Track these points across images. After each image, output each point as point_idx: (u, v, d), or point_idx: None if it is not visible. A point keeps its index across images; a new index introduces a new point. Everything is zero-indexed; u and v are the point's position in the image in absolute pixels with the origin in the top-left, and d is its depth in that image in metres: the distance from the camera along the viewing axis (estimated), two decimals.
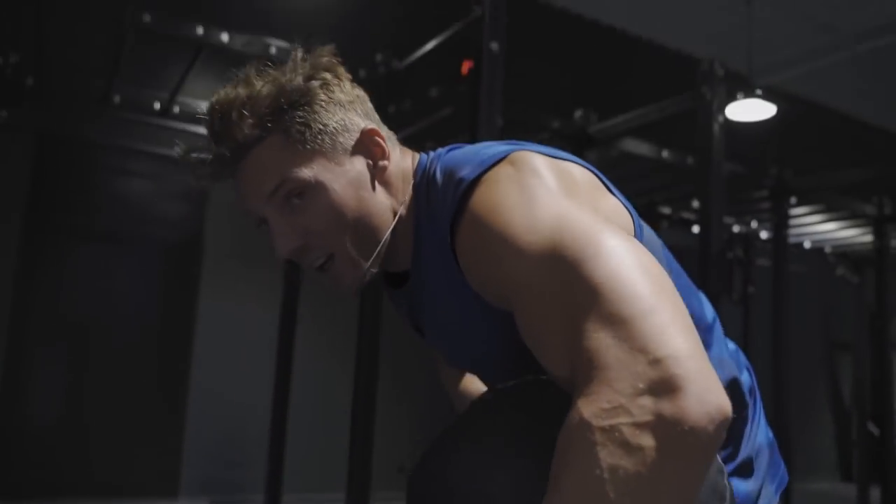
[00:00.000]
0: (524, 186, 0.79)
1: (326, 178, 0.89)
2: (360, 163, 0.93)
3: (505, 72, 2.27)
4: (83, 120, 3.70)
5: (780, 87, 7.15)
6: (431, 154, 0.98)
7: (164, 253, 5.14)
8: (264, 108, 0.89)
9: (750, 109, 5.83)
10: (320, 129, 0.90)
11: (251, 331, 4.70)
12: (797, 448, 4.38)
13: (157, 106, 3.48)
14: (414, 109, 3.01)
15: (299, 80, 0.90)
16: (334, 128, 0.91)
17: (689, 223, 4.96)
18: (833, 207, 4.67)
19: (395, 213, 0.94)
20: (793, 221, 4.93)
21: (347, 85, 0.96)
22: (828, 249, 6.38)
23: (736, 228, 5.45)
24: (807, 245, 6.05)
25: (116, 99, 3.37)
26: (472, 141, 2.45)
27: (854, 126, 8.19)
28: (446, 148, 0.97)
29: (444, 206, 0.86)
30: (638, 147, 3.59)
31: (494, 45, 2.20)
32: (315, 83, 0.91)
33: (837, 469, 8.20)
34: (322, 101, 0.91)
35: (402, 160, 0.98)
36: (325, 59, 0.93)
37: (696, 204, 4.26)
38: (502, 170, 0.83)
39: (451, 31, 2.39)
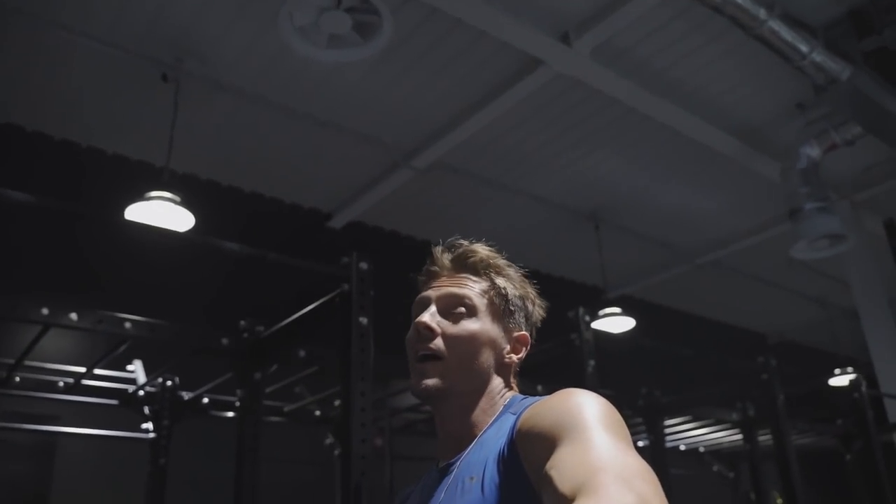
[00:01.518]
0: (596, 395, 0.92)
1: (486, 323, 1.11)
2: (505, 344, 1.13)
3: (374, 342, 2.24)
4: None
5: (632, 297, 7.63)
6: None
7: None
8: (498, 265, 1.16)
9: (612, 324, 6.14)
10: (507, 305, 1.14)
11: None
12: None
13: None
14: (279, 371, 2.89)
15: (524, 279, 1.20)
16: (513, 310, 1.15)
17: None
18: (701, 416, 4.83)
19: (487, 393, 1.11)
20: (666, 430, 5.07)
21: (539, 310, 1.22)
22: (701, 449, 6.55)
23: None
24: (682, 448, 6.19)
25: None
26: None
27: (703, 323, 8.79)
28: None
29: (515, 413, 1.01)
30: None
31: (363, 319, 2.19)
32: (530, 291, 1.21)
33: None
34: (528, 297, 1.19)
35: (512, 383, 1.16)
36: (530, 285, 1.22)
37: None
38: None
39: (320, 302, 2.36)
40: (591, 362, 2.81)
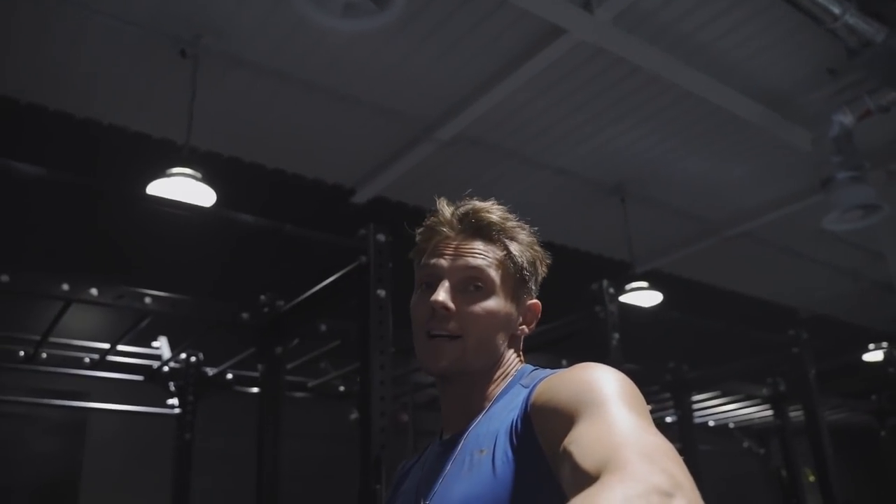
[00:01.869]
0: (615, 369, 0.89)
1: (502, 299, 1.06)
2: (518, 316, 1.09)
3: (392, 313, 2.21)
4: None
5: (660, 272, 7.53)
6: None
7: (36, 497, 4.61)
8: (511, 228, 1.10)
9: (639, 298, 6.06)
10: (521, 275, 1.09)
11: None
12: None
13: (21, 354, 3.21)
14: (303, 346, 2.88)
15: (533, 240, 1.14)
16: (527, 278, 1.10)
17: None
18: (730, 392, 4.76)
19: (500, 365, 1.07)
20: (696, 405, 5.02)
21: (545, 269, 1.16)
22: (731, 425, 6.49)
23: None
24: (711, 424, 6.13)
25: None
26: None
27: (734, 298, 8.66)
28: None
29: (527, 385, 0.98)
30: (537, 360, 3.56)
31: (381, 292, 2.15)
32: (539, 250, 1.15)
33: None
34: (538, 259, 1.14)
35: (520, 352, 1.13)
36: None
37: None
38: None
39: (337, 276, 2.33)
40: (616, 335, 2.76)
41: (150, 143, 5.14)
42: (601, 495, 0.60)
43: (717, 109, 5.12)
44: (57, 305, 2.64)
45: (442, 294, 1.03)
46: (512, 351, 1.09)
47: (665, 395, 4.66)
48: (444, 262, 1.06)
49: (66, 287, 2.43)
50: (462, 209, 1.09)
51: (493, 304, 1.04)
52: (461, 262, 1.05)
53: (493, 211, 1.10)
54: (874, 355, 5.16)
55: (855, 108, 4.60)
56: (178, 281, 3.19)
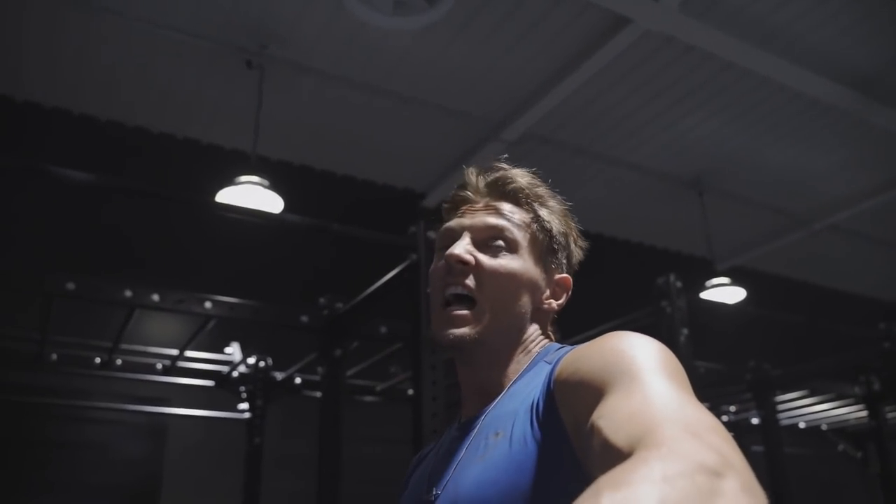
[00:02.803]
0: (647, 336, 0.81)
1: (528, 262, 0.97)
2: (545, 287, 1.00)
3: None
4: (21, 379, 3.53)
5: (743, 268, 7.23)
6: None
7: (119, 500, 4.77)
8: (542, 195, 1.03)
9: (720, 295, 5.83)
10: (550, 243, 1.01)
11: None
12: None
13: (97, 360, 3.31)
14: (365, 347, 2.87)
15: (566, 210, 1.06)
16: (556, 248, 1.02)
17: None
18: (819, 391, 4.51)
19: (522, 341, 0.98)
20: (782, 406, 4.78)
21: (579, 251, 1.08)
22: (824, 427, 6.16)
23: (725, 418, 5.29)
24: (801, 426, 5.83)
25: (53, 357, 3.21)
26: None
27: (824, 293, 8.24)
28: None
29: (550, 361, 0.90)
30: None
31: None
32: (572, 224, 1.07)
33: None
34: (571, 234, 1.06)
35: (549, 331, 1.04)
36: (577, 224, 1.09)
37: None
38: None
39: (391, 276, 2.30)
40: (684, 331, 2.63)
41: (222, 154, 5.27)
42: (637, 472, 0.49)
43: (798, 95, 4.87)
44: (123, 312, 2.71)
45: (459, 247, 0.94)
46: (536, 326, 1.00)
47: (747, 395, 4.44)
48: (465, 221, 0.99)
49: (128, 293, 2.48)
50: (490, 175, 1.02)
51: (516, 264, 0.95)
52: (483, 219, 0.98)
53: (523, 176, 1.02)
54: None
55: None
56: (240, 286, 3.24)
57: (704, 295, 5.80)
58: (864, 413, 4.97)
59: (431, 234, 2.19)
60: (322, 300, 2.78)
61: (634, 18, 4.08)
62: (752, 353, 4.38)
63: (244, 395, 3.65)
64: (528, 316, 0.98)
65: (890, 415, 4.64)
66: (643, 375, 0.68)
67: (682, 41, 4.32)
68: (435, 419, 1.97)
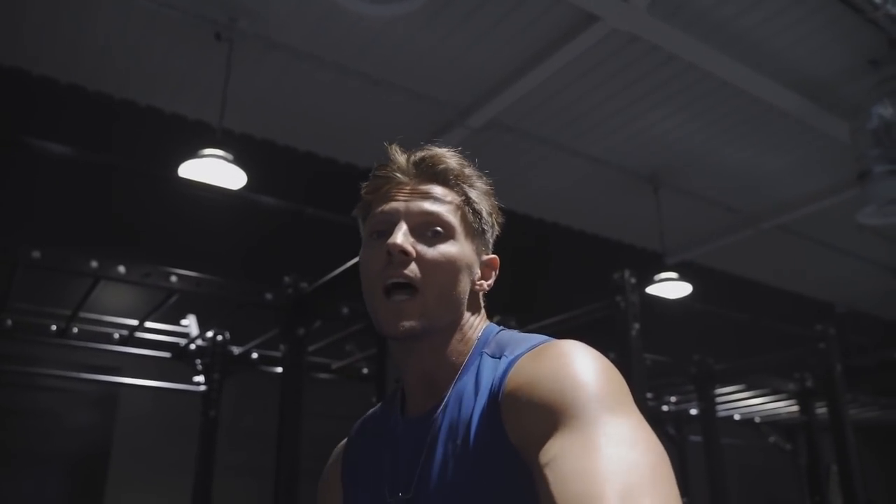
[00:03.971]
0: (593, 353, 0.83)
1: (464, 246, 0.97)
2: (476, 269, 1.01)
3: None
4: None
5: (692, 263, 7.45)
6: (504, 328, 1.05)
7: (68, 469, 4.74)
8: (470, 175, 1.01)
9: (668, 289, 6.01)
10: (480, 224, 1.01)
11: None
12: None
13: (53, 328, 3.30)
14: (326, 326, 2.92)
15: (490, 189, 1.05)
16: (485, 230, 1.02)
17: None
18: (756, 385, 4.72)
19: (460, 327, 0.99)
20: (720, 398, 4.98)
21: (498, 228, 1.07)
22: (757, 420, 6.42)
23: (666, 408, 5.49)
24: (737, 417, 6.07)
25: (9, 323, 3.19)
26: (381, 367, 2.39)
27: (768, 291, 8.54)
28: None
29: (501, 360, 0.91)
30: None
31: None
32: (495, 202, 1.06)
33: None
34: (495, 213, 1.05)
35: (482, 310, 1.05)
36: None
37: None
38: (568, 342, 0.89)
39: (357, 259, 2.35)
40: (636, 325, 2.74)
41: (185, 125, 5.22)
42: None
43: (755, 99, 5.04)
44: (86, 282, 2.72)
45: (400, 236, 0.92)
46: (472, 310, 1.00)
47: (689, 387, 4.63)
48: (399, 206, 0.95)
49: (94, 264, 2.49)
50: (418, 154, 1.00)
51: (455, 249, 0.95)
52: (418, 204, 0.95)
53: (451, 157, 1.00)
54: None
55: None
56: (203, 261, 3.26)
57: (652, 289, 5.98)
58: (795, 407, 5.22)
59: None
60: (287, 279, 2.82)
61: (602, 16, 4.17)
62: (697, 348, 4.56)
63: (200, 368, 3.68)
64: (466, 300, 0.98)
65: (819, 410, 4.88)
66: (592, 415, 0.72)
67: (647, 40, 4.44)
68: None
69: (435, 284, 0.93)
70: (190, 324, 3.79)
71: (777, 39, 4.56)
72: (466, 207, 0.98)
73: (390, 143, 1.01)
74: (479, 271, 1.00)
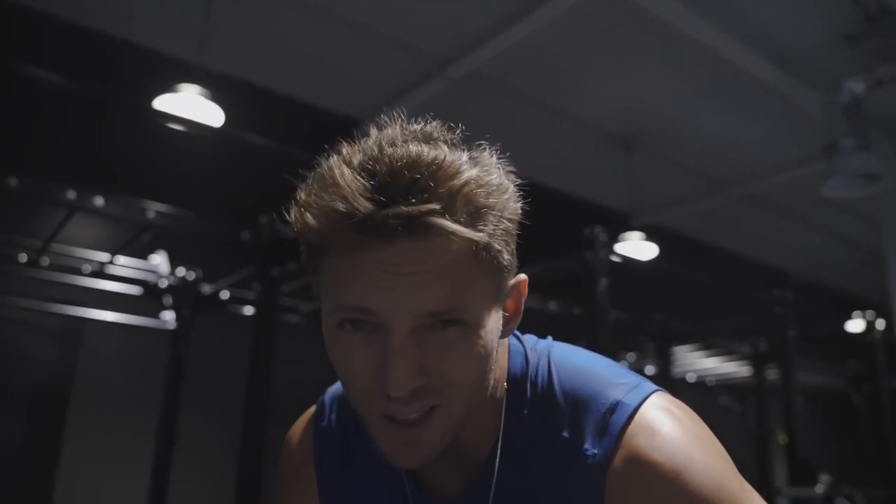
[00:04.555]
0: (698, 436, 0.73)
1: (490, 327, 0.68)
2: (499, 315, 0.71)
3: None
4: None
5: (658, 225, 7.58)
6: (526, 344, 0.81)
7: (29, 401, 4.75)
8: (485, 202, 0.66)
9: (635, 250, 6.12)
10: (509, 259, 0.69)
11: (118, 485, 4.34)
12: None
13: (24, 258, 3.29)
14: (299, 269, 2.95)
15: (509, 182, 0.71)
16: (507, 264, 0.69)
17: None
18: (712, 346, 4.88)
19: (487, 397, 0.73)
20: (677, 358, 5.14)
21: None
22: (710, 381, 6.63)
23: (625, 363, 5.64)
24: (691, 379, 6.27)
25: None
26: None
27: (732, 257, 8.73)
28: (541, 342, 0.83)
29: (579, 427, 0.72)
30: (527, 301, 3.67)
31: None
32: (517, 204, 0.72)
33: None
34: (517, 215, 0.71)
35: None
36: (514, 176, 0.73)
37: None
38: (661, 406, 0.74)
39: None
40: (604, 281, 2.82)
41: (161, 61, 5.12)
42: None
43: (734, 67, 5.09)
44: (60, 215, 2.71)
45: (399, 377, 0.63)
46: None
47: (648, 345, 4.77)
48: (383, 302, 0.63)
49: (72, 195, 2.48)
50: (393, 181, 0.63)
51: (480, 336, 0.67)
52: (415, 294, 0.63)
53: (452, 161, 0.66)
54: (858, 323, 5.25)
55: (868, 75, 4.58)
56: (179, 197, 3.25)
57: (619, 248, 6.09)
58: (748, 370, 5.42)
59: None
60: (264, 219, 2.84)
61: None
62: (657, 307, 4.69)
63: (169, 305, 3.69)
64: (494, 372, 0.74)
65: (770, 373, 5.07)
66: None
67: (634, 3, 4.45)
68: None
69: (459, 394, 0.68)
70: (160, 260, 3.79)
71: (759, 9, 4.61)
72: (484, 253, 0.65)
73: (339, 147, 0.71)
74: (502, 325, 0.72)
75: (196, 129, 2.93)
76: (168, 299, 3.66)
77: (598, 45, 5.07)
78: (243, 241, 2.77)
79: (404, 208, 0.61)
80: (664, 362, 4.52)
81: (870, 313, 4.78)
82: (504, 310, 0.72)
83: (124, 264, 3.52)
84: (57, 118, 4.47)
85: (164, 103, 3.98)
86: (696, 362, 5.43)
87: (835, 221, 7.93)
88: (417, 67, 5.34)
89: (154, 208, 2.60)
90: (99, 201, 2.51)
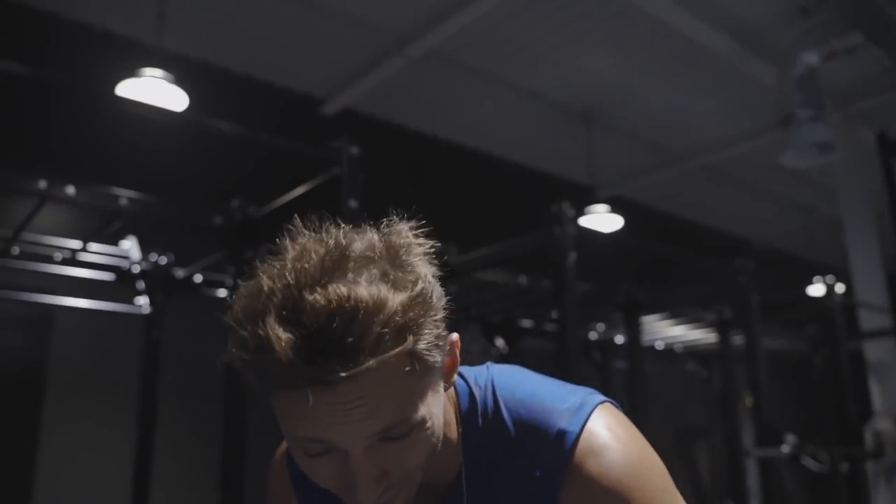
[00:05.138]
0: (638, 452, 0.82)
1: (434, 410, 0.75)
2: (440, 389, 0.77)
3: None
4: None
5: (619, 197, 7.70)
6: (469, 381, 0.88)
7: (3, 390, 4.70)
8: (399, 318, 0.67)
9: (599, 222, 6.22)
10: (440, 346, 0.72)
11: (100, 471, 4.34)
12: None
13: None
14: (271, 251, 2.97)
15: (430, 275, 0.73)
16: (441, 346, 0.73)
17: (551, 334, 5.15)
18: (679, 315, 5.00)
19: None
20: (644, 328, 5.25)
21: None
22: (678, 349, 6.79)
23: (594, 336, 5.74)
24: (659, 346, 6.40)
25: None
26: None
27: (693, 227, 8.91)
28: (480, 375, 0.89)
29: (530, 454, 0.81)
30: (496, 275, 3.73)
31: (353, 203, 2.25)
32: (437, 282, 0.74)
33: None
34: (441, 307, 0.73)
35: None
36: (427, 247, 0.75)
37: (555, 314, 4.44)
38: (603, 426, 0.83)
39: (311, 185, 2.41)
40: (573, 255, 2.89)
41: (118, 42, 5.05)
42: None
43: (688, 41, 5.19)
44: (30, 204, 2.69)
45: (365, 494, 0.71)
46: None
47: (616, 315, 4.86)
48: (337, 435, 0.69)
49: (42, 184, 2.47)
50: (319, 334, 0.65)
51: (428, 427, 0.73)
52: (366, 422, 0.68)
53: (368, 305, 0.66)
54: (818, 288, 5.43)
55: (822, 48, 4.71)
56: (147, 184, 3.23)
57: (583, 221, 6.18)
58: (714, 337, 5.57)
59: (354, 150, 2.31)
60: (235, 203, 2.85)
61: None
62: (623, 279, 4.78)
63: (142, 290, 3.68)
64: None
65: (735, 339, 5.22)
66: None
67: None
68: None
69: (416, 476, 0.76)
70: (131, 246, 3.77)
71: None
72: (417, 363, 0.69)
73: (259, 273, 0.73)
74: (441, 385, 0.77)
75: (159, 115, 2.92)
76: (141, 284, 3.65)
77: (555, 21, 5.13)
78: (216, 226, 2.78)
79: (337, 363, 0.65)
80: (632, 332, 4.61)
81: (829, 277, 4.93)
82: (442, 370, 0.77)
83: (96, 251, 3.50)
84: (16, 106, 4.39)
85: (126, 89, 3.94)
86: (664, 331, 5.54)
87: (792, 190, 8.14)
88: (377, 45, 5.35)
89: (126, 195, 2.60)
90: (70, 190, 2.50)
